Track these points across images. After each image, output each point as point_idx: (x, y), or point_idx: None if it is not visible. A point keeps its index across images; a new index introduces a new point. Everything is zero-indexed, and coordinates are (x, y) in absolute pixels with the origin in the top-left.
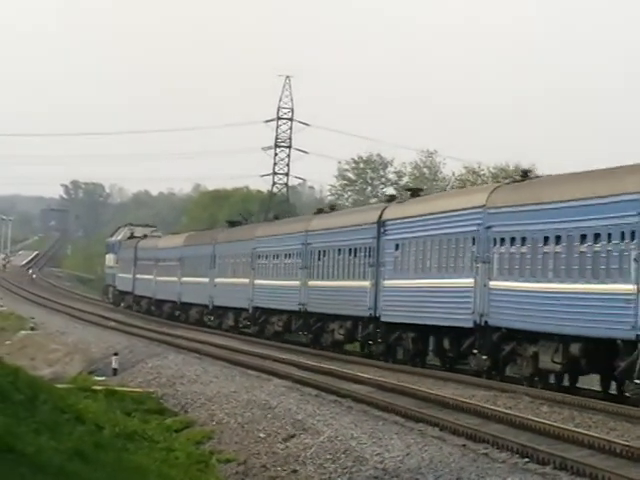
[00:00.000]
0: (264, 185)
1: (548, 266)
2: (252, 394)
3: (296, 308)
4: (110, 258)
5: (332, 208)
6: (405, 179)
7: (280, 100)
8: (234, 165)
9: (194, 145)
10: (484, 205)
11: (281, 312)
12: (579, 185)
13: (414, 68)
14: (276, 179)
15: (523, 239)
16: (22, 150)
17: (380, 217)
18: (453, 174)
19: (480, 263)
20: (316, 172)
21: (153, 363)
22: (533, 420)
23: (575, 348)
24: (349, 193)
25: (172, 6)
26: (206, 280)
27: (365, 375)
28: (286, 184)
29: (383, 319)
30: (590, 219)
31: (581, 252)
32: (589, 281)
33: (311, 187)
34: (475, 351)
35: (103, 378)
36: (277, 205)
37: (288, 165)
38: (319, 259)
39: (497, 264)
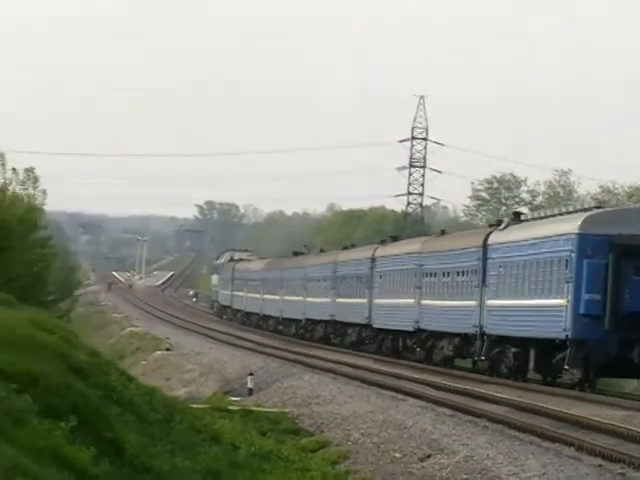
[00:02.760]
0: (398, 205)
1: (427, 289)
2: (387, 414)
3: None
4: (215, 278)
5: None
6: (539, 199)
7: (414, 120)
8: (369, 185)
9: (329, 165)
10: (419, 251)
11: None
12: (453, 240)
13: (545, 85)
14: (410, 199)
15: (435, 273)
16: (155, 170)
17: (335, 261)
18: (588, 193)
19: (417, 289)
20: (449, 192)
21: (288, 383)
22: None
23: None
24: (483, 213)
25: (312, 24)
26: (277, 297)
27: (500, 395)
28: (420, 204)
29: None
30: (457, 262)
31: (456, 281)
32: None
33: (445, 207)
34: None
35: (238, 398)
36: (411, 225)
37: (422, 185)
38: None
39: (424, 289)
